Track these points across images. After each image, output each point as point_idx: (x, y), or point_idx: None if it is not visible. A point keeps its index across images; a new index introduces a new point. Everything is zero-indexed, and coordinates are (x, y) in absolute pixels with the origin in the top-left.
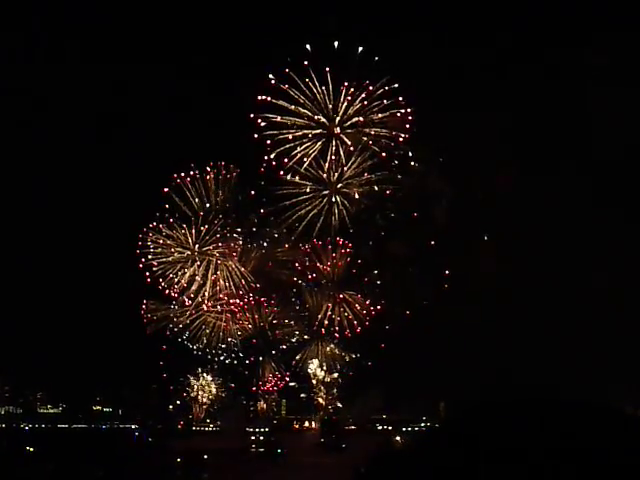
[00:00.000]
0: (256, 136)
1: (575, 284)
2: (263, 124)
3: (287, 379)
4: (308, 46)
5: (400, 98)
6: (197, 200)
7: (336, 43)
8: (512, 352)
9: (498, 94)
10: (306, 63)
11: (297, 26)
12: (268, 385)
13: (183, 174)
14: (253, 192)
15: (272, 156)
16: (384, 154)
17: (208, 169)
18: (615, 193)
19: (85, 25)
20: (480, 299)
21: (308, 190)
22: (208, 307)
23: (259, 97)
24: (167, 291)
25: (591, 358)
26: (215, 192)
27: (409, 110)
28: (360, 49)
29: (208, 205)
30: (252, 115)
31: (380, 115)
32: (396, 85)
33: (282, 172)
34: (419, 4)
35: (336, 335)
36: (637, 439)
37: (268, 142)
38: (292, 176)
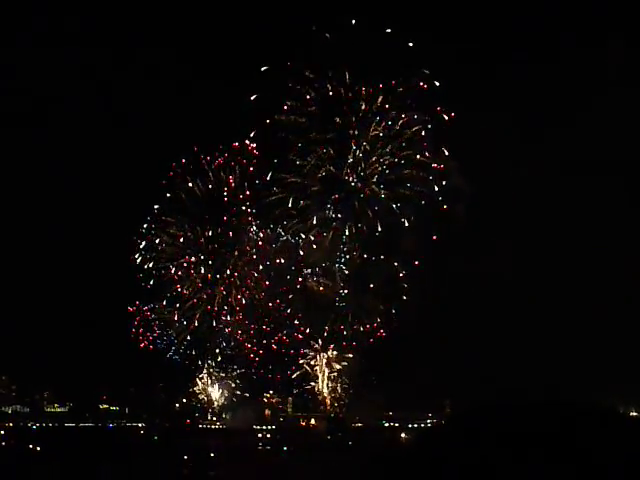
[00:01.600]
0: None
1: (578, 284)
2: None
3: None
4: (328, 35)
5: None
6: (205, 190)
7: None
8: (517, 350)
9: (514, 93)
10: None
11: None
12: (275, 399)
13: (184, 160)
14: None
15: (268, 177)
16: (413, 169)
17: (217, 154)
18: (620, 193)
19: (84, 15)
20: (488, 297)
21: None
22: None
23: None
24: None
25: (592, 357)
26: (225, 181)
27: (448, 117)
28: (388, 30)
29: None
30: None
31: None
32: (433, 84)
33: (290, 204)
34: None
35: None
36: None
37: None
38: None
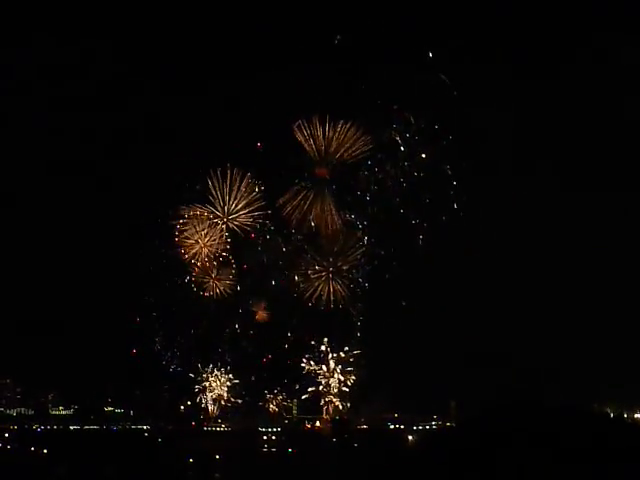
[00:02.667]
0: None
1: (582, 284)
2: None
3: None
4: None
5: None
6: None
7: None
8: (521, 350)
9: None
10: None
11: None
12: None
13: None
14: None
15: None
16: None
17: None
18: (622, 194)
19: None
20: (490, 298)
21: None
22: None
23: None
24: None
25: (596, 359)
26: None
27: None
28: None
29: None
30: None
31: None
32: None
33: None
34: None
35: None
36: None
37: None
38: None
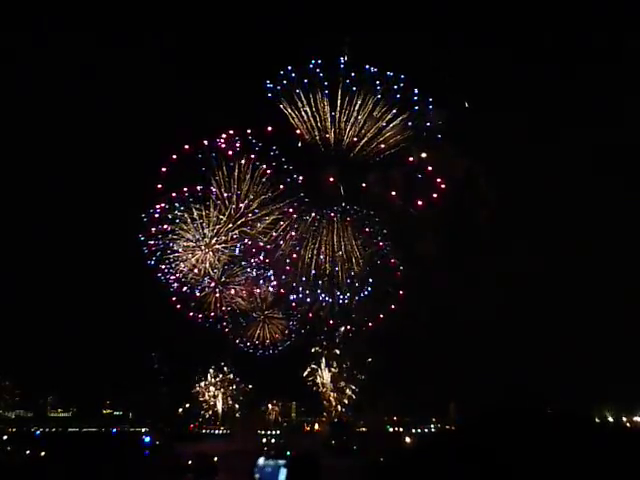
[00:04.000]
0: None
1: (584, 288)
2: None
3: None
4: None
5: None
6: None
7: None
8: (521, 355)
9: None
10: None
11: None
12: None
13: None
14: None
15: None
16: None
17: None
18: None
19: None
20: (494, 302)
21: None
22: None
23: None
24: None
25: (596, 360)
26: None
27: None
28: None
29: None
30: None
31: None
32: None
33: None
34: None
35: None
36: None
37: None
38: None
